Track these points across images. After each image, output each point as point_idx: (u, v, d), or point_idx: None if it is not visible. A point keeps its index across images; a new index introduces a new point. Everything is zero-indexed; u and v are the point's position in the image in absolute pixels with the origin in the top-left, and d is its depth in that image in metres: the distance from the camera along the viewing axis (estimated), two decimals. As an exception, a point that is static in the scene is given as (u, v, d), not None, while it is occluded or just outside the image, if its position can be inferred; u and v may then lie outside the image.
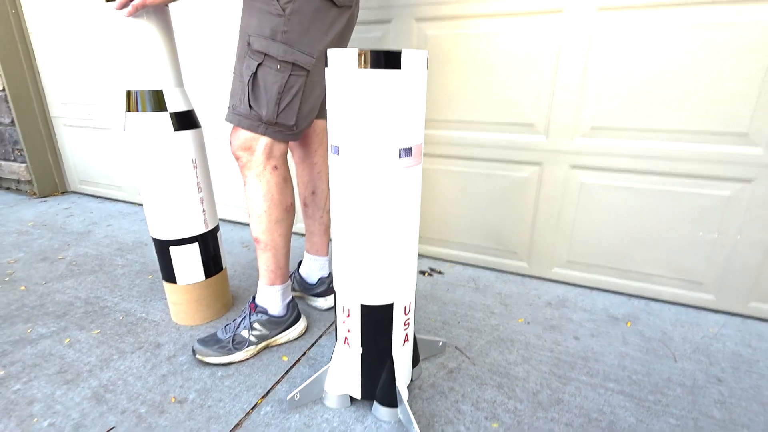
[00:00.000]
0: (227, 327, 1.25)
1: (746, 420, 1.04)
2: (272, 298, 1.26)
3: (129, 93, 1.14)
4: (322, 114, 1.29)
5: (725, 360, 1.24)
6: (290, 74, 1.05)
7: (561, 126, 1.48)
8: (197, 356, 1.20)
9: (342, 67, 0.76)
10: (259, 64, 1.03)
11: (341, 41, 1.14)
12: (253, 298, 1.28)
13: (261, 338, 1.25)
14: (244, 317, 1.25)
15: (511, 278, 1.71)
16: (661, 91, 1.33)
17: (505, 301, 1.55)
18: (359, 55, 0.74)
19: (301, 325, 1.33)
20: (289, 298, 1.31)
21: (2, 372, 1.18)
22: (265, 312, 1.26)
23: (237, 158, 1.13)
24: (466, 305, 1.52)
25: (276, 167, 1.14)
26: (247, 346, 1.22)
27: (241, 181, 1.21)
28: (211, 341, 1.22)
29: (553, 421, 1.03)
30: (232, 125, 1.11)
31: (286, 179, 1.18)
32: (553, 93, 1.45)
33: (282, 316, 1.28)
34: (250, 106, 1.06)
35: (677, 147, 1.36)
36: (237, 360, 1.21)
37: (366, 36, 1.66)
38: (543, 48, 1.42)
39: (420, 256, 1.90)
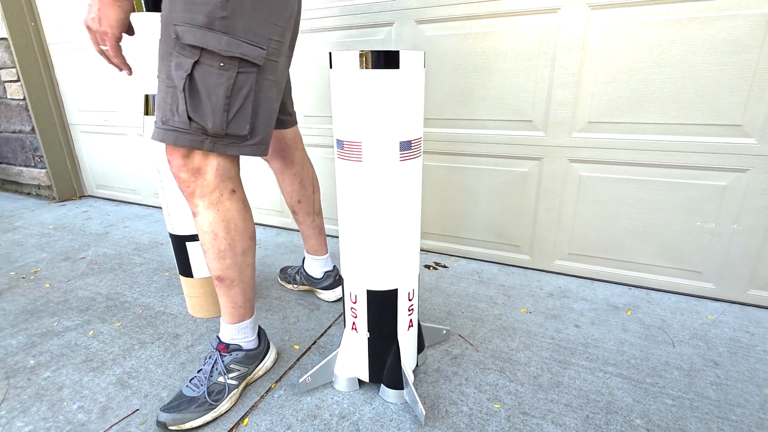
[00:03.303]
0: (192, 382, 1.05)
1: (741, 400, 1.07)
2: (245, 333, 1.11)
3: (147, 97, 1.21)
4: (292, 121, 1.27)
5: (723, 345, 1.28)
6: (237, 72, 0.84)
7: (559, 122, 1.52)
8: (171, 428, 0.99)
9: (345, 68, 0.82)
10: (195, 63, 0.81)
11: (295, 28, 0.99)
12: (219, 339, 1.10)
13: (241, 378, 1.09)
14: (215, 363, 1.07)
15: (514, 271, 1.76)
16: (655, 86, 1.37)
17: (507, 293, 1.59)
18: (361, 56, 0.80)
19: (272, 352, 1.22)
20: (257, 324, 1.17)
21: (33, 361, 1.26)
22: (239, 348, 1.10)
23: (181, 183, 0.91)
24: (470, 296, 1.57)
25: (233, 191, 0.95)
26: (228, 393, 1.06)
27: (191, 213, 0.97)
28: (182, 405, 1.01)
29: (553, 402, 1.07)
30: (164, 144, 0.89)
31: (245, 202, 1.00)
32: (550, 90, 1.50)
33: (257, 348, 1.15)
34: (189, 117, 0.84)
35: (673, 139, 1.40)
36: (223, 411, 1.05)
37: (371, 38, 1.72)
38: (540, 47, 1.47)
39: (425, 251, 1.95)
